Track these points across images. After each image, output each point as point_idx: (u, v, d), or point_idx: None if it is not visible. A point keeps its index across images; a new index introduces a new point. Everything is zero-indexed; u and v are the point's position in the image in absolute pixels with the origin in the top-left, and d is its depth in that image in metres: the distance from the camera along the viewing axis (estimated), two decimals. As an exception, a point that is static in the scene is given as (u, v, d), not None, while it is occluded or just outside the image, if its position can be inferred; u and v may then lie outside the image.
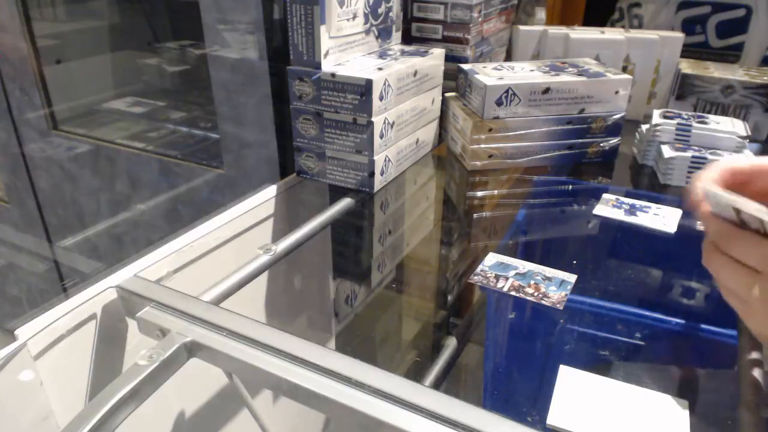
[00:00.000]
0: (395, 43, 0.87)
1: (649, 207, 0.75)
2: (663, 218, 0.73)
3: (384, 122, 0.73)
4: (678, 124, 0.82)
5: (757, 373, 0.46)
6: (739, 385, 0.45)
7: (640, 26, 1.25)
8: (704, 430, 0.46)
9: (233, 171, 1.22)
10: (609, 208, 0.75)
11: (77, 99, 1.65)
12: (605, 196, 0.78)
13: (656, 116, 0.85)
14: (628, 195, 0.79)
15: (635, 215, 0.73)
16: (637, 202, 0.76)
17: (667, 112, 0.87)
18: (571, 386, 0.49)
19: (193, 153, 1.38)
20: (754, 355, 0.48)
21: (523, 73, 0.83)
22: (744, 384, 0.45)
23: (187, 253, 0.62)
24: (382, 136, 0.74)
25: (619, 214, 0.74)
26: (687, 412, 0.46)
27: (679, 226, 0.71)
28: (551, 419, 0.46)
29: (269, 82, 1.06)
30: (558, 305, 0.57)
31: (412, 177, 0.87)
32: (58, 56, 1.55)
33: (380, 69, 0.72)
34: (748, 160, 0.41)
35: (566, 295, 0.58)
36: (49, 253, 1.72)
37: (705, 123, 0.82)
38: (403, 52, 0.82)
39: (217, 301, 0.54)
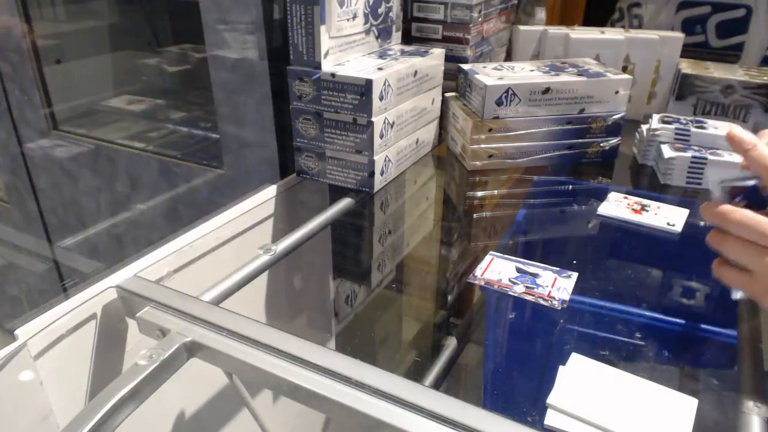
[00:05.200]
0: (395, 43, 0.87)
1: (659, 206, 0.75)
2: (668, 217, 0.73)
3: (384, 122, 0.73)
4: (676, 128, 0.82)
5: (757, 373, 0.46)
6: (739, 386, 0.45)
7: (640, 26, 1.25)
8: (704, 429, 0.46)
9: (233, 171, 1.21)
10: (615, 206, 0.75)
11: (77, 99, 1.65)
12: (612, 194, 0.78)
13: (655, 120, 0.85)
14: (629, 194, 0.79)
15: (642, 214, 0.74)
16: (647, 201, 0.76)
17: (666, 116, 0.87)
18: (577, 376, 0.49)
19: (192, 153, 1.37)
20: (754, 355, 0.48)
21: (523, 73, 0.83)
22: (744, 384, 0.45)
23: (187, 253, 0.62)
24: (382, 136, 0.74)
25: (623, 214, 0.74)
26: (693, 411, 0.46)
27: (685, 226, 0.71)
28: (551, 399, 0.47)
29: (269, 82, 1.06)
30: (557, 305, 0.57)
31: (412, 177, 0.87)
32: (57, 56, 1.55)
33: (380, 69, 0.72)
34: None
35: (567, 295, 0.58)
36: (49, 253, 1.72)
37: (703, 128, 0.82)
38: (403, 52, 0.82)
39: (217, 301, 0.54)
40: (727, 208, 0.44)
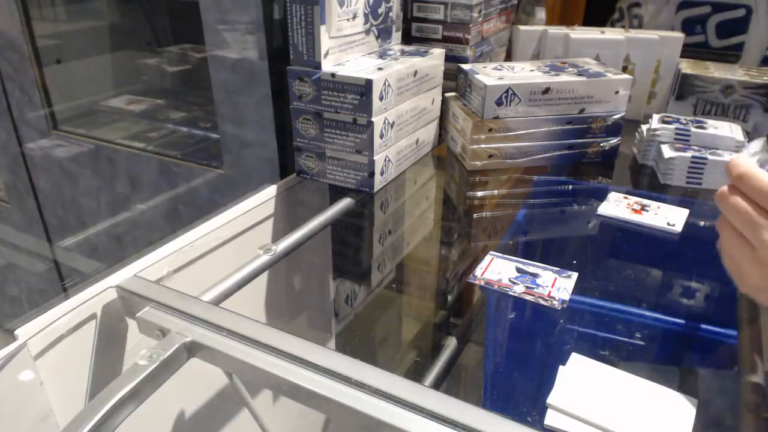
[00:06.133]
0: (395, 43, 0.87)
1: (659, 206, 0.75)
2: (668, 217, 0.73)
3: (384, 122, 0.73)
4: (676, 129, 0.82)
5: (757, 373, 0.46)
6: (739, 386, 0.45)
7: (640, 26, 1.25)
8: (704, 429, 0.46)
9: (233, 171, 1.21)
10: (615, 206, 0.75)
11: (77, 99, 1.65)
12: (612, 194, 0.78)
13: (655, 120, 0.85)
14: (629, 194, 0.79)
15: (642, 214, 0.74)
16: (647, 201, 0.76)
17: (666, 116, 0.87)
18: (577, 376, 0.49)
19: (192, 153, 1.37)
20: (754, 355, 0.48)
21: (523, 73, 0.83)
22: (744, 384, 0.45)
23: (187, 253, 0.62)
24: (382, 136, 0.74)
25: (623, 214, 0.74)
26: (693, 411, 0.46)
27: (685, 226, 0.71)
28: (551, 399, 0.47)
29: (269, 82, 1.06)
30: (557, 305, 0.57)
31: (412, 177, 0.87)
32: (58, 56, 1.55)
33: (380, 69, 0.72)
34: None
35: (567, 294, 0.58)
36: (49, 253, 1.72)
37: (703, 128, 0.82)
38: (403, 52, 0.82)
39: (217, 301, 0.54)
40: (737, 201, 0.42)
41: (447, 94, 0.91)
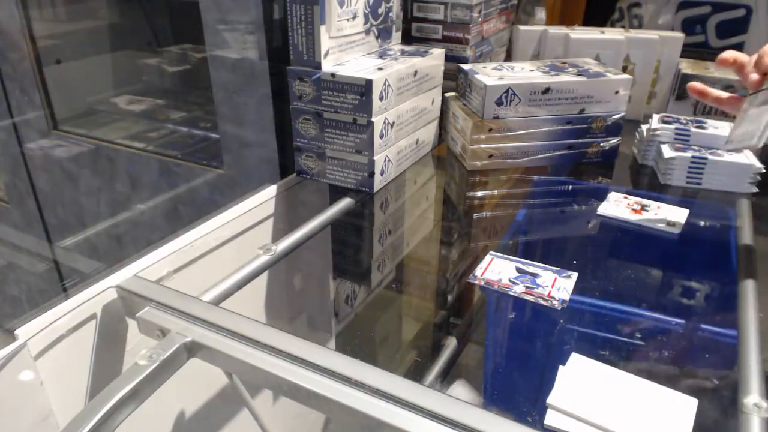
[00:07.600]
0: (395, 43, 0.87)
1: (659, 206, 0.75)
2: (668, 217, 0.73)
3: (384, 122, 0.73)
4: (676, 128, 0.82)
5: (757, 373, 0.46)
6: (739, 385, 0.45)
7: (640, 26, 1.25)
8: (704, 429, 0.46)
9: (233, 171, 1.21)
10: (615, 206, 0.75)
11: (77, 99, 1.65)
12: (612, 194, 0.78)
13: (655, 120, 0.85)
14: (629, 194, 0.79)
15: (642, 214, 0.74)
16: (647, 201, 0.76)
17: (666, 116, 0.87)
18: (577, 376, 0.49)
19: (192, 153, 1.37)
20: (754, 355, 0.48)
21: (523, 73, 0.83)
22: (744, 384, 0.45)
23: (187, 253, 0.62)
24: (382, 136, 0.74)
25: (623, 214, 0.74)
26: (693, 411, 0.46)
27: (685, 226, 0.71)
28: (551, 399, 0.46)
29: (269, 82, 1.06)
30: (557, 305, 0.57)
31: (412, 177, 0.87)
32: (58, 56, 1.55)
33: (380, 69, 0.72)
34: None
35: (567, 294, 0.59)
36: (49, 253, 1.72)
37: (703, 128, 0.82)
38: (403, 52, 0.82)
39: (217, 301, 0.54)
40: None
41: (447, 94, 0.91)
